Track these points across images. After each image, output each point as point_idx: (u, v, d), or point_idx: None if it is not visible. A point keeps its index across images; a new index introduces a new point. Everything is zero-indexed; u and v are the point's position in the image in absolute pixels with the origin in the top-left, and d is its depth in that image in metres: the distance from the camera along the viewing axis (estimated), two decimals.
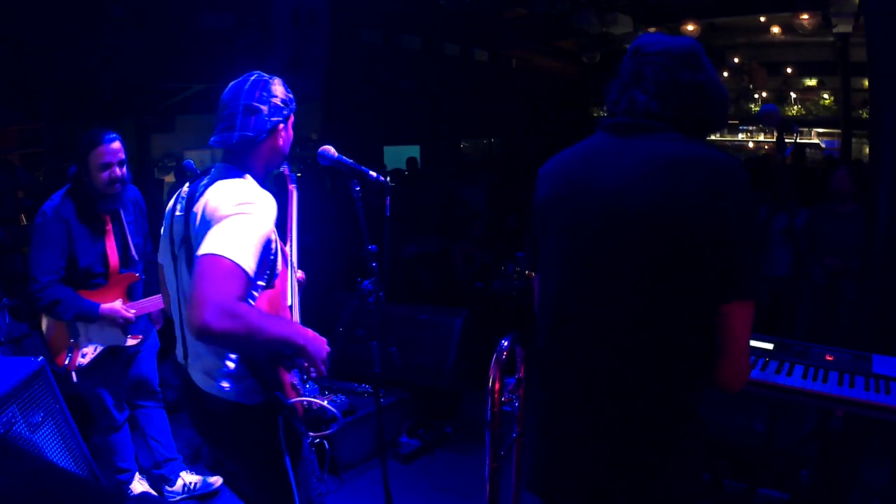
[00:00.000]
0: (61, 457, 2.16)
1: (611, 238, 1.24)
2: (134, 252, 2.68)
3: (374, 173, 2.26)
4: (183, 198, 1.68)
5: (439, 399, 3.78)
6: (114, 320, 2.51)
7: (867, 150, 7.82)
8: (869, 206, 3.14)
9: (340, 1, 6.31)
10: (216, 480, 2.98)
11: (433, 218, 6.54)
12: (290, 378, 1.70)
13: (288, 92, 1.77)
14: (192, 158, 4.73)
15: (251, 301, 1.59)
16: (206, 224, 1.51)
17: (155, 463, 2.91)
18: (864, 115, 9.34)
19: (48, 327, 2.57)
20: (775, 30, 10.78)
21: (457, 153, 10.99)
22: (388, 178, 7.95)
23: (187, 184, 1.75)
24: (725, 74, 12.73)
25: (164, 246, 1.78)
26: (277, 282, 1.69)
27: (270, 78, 1.74)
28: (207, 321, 1.36)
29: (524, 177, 9.04)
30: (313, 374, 1.70)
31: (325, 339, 1.67)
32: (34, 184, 5.48)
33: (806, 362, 2.25)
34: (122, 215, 2.65)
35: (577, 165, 1.36)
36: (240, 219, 1.49)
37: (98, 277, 2.59)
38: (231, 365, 1.64)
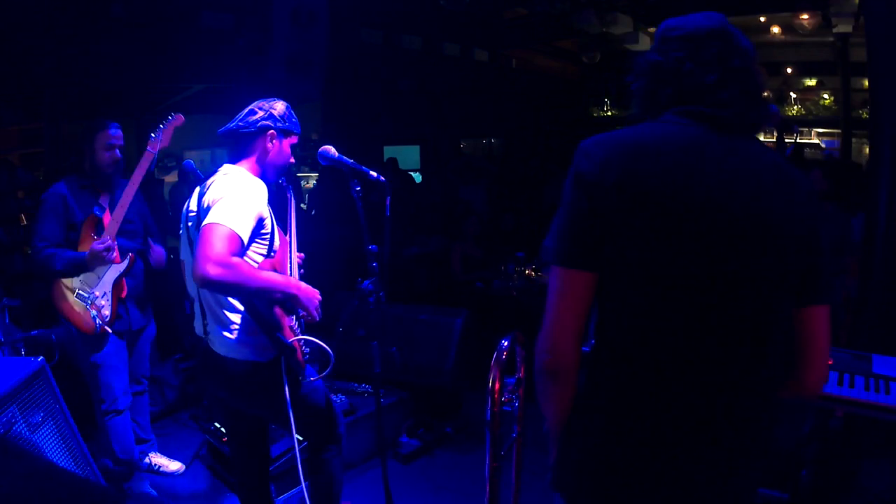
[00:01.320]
0: (61, 457, 2.16)
1: (725, 244, 1.13)
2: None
3: (374, 173, 2.29)
4: (196, 198, 2.08)
5: (439, 399, 3.78)
6: (98, 256, 2.67)
7: (867, 150, 7.82)
8: (869, 206, 3.14)
9: (340, 1, 6.31)
10: (179, 467, 3.25)
11: (433, 218, 6.53)
12: (289, 321, 2.05)
13: (290, 115, 2.18)
14: (192, 158, 4.74)
15: (253, 264, 1.98)
16: (209, 208, 1.92)
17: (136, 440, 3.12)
18: (864, 115, 9.33)
19: (65, 309, 2.78)
20: (775, 30, 10.76)
21: (457, 153, 10.98)
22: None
23: (198, 188, 2.13)
24: None
25: (183, 243, 2.16)
26: (277, 255, 2.10)
27: (278, 100, 2.18)
28: (205, 271, 1.75)
29: (523, 177, 9.04)
30: (302, 315, 2.10)
31: (316, 291, 2.05)
32: (34, 184, 5.47)
33: None
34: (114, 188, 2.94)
35: (671, 158, 1.16)
36: (232, 197, 1.90)
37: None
38: (237, 318, 2.02)
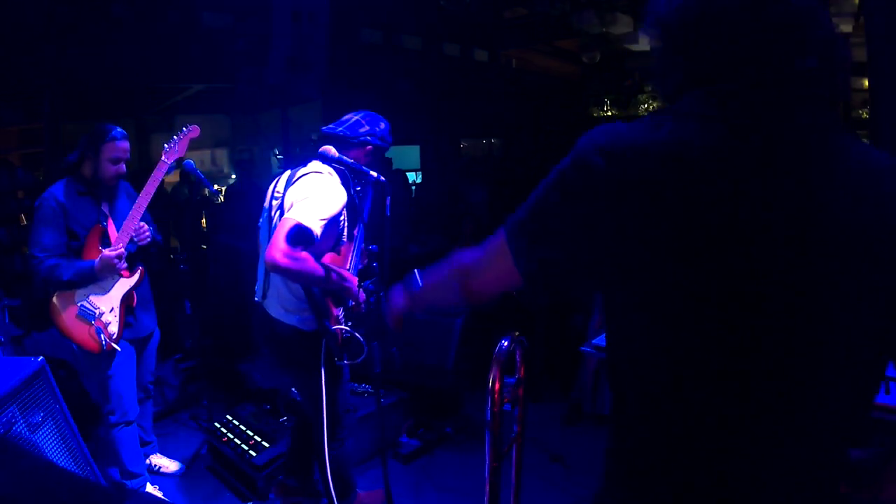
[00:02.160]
0: (61, 457, 2.16)
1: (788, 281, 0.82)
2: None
3: (374, 173, 2.29)
4: (285, 182, 2.34)
5: (439, 399, 3.78)
6: (109, 265, 2.58)
7: None
8: None
9: (340, 1, 6.31)
10: (179, 468, 3.23)
11: (433, 218, 6.53)
12: (336, 312, 2.34)
13: (388, 133, 2.46)
14: (192, 158, 4.73)
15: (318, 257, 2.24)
16: (292, 202, 2.19)
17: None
18: (864, 115, 9.33)
19: (65, 327, 2.63)
20: None
21: (457, 153, 10.98)
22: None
23: (288, 171, 2.40)
24: None
25: (264, 213, 2.43)
26: (342, 249, 2.36)
27: (383, 119, 2.48)
28: (274, 258, 2.03)
29: (523, 177, 9.04)
30: (351, 304, 2.38)
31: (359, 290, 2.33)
32: (34, 184, 5.47)
33: None
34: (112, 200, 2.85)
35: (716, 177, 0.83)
36: (315, 200, 2.16)
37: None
38: (293, 296, 2.30)
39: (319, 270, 2.17)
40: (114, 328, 2.66)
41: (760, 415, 0.84)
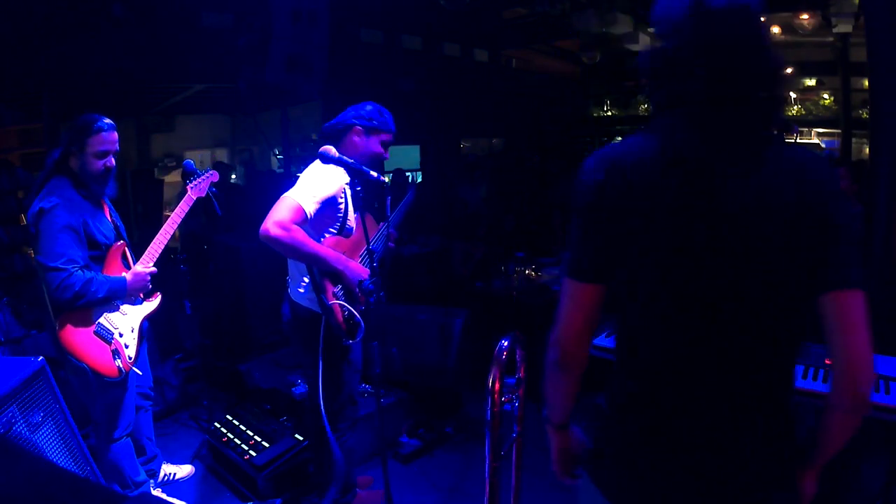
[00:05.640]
0: (61, 457, 2.16)
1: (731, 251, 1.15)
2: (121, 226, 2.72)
3: (374, 173, 2.30)
4: None
5: (439, 399, 3.78)
6: (142, 282, 2.54)
7: (867, 150, 7.82)
8: (868, 206, 3.14)
9: (340, 1, 6.31)
10: (189, 472, 3.20)
11: (433, 218, 6.53)
12: (333, 289, 2.36)
13: (379, 115, 2.49)
14: (192, 158, 4.73)
15: (321, 239, 2.35)
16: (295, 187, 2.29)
17: (146, 458, 2.98)
18: (864, 115, 9.33)
19: (79, 346, 2.40)
20: (775, 30, 10.74)
21: (457, 153, 10.98)
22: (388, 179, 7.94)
23: None
24: None
25: None
26: (354, 236, 2.45)
27: (371, 103, 2.52)
28: (266, 229, 2.11)
29: (523, 177, 9.04)
30: (356, 287, 2.36)
31: (365, 272, 2.34)
32: (34, 184, 5.46)
33: (806, 362, 2.25)
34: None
35: (668, 171, 1.18)
36: (307, 179, 2.30)
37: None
38: (303, 278, 2.40)
39: (311, 245, 2.22)
40: (132, 351, 2.52)
41: (723, 339, 1.15)
